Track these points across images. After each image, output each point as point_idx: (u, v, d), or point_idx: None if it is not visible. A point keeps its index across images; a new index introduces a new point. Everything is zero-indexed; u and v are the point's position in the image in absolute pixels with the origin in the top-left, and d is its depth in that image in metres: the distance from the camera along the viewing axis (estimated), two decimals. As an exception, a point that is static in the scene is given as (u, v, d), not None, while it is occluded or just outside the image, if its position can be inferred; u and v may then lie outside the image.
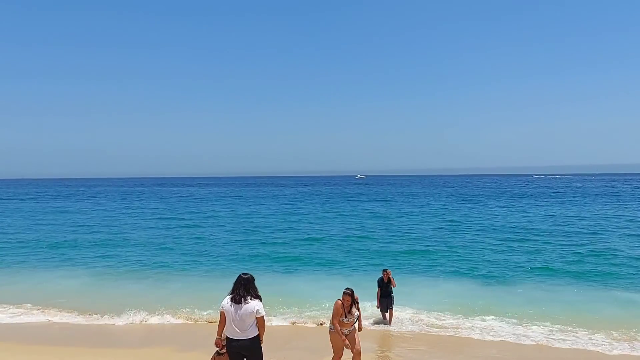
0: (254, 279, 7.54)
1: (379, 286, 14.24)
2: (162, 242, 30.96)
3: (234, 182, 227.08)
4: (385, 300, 14.20)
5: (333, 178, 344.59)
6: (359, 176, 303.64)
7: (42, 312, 15.27)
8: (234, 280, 7.53)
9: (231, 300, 7.32)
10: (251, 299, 7.31)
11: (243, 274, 7.58)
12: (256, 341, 7.34)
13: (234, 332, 7.28)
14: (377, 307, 14.32)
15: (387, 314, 14.18)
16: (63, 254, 26.64)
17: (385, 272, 14.31)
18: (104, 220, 45.67)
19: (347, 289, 8.95)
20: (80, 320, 14.53)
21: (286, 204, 67.01)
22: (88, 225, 40.86)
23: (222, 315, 7.36)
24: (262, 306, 7.40)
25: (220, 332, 7.42)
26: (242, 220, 44.81)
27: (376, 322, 14.21)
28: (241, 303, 7.26)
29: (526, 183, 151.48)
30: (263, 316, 7.36)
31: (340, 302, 8.94)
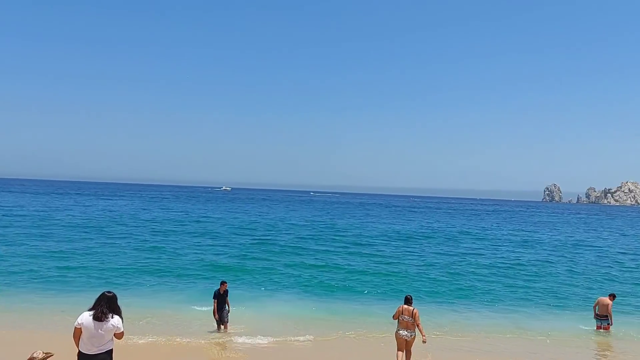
0: (116, 297, 7.74)
1: (215, 298, 14.72)
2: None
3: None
4: (221, 312, 14.78)
5: (197, 188, 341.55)
6: (224, 188, 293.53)
7: None
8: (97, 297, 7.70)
9: (93, 317, 7.41)
10: (112, 317, 7.51)
11: (107, 291, 7.77)
12: (110, 354, 7.59)
13: (91, 347, 7.40)
14: (216, 319, 14.80)
15: (223, 327, 14.88)
16: None
17: (223, 284, 14.91)
18: None
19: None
20: None
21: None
22: None
23: (78, 331, 7.47)
24: (122, 322, 7.66)
25: (78, 346, 7.47)
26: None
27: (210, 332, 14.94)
28: (103, 320, 7.41)
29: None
30: (123, 332, 7.70)
31: None
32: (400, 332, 11.80)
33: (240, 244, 36.72)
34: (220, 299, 14.79)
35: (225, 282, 15.12)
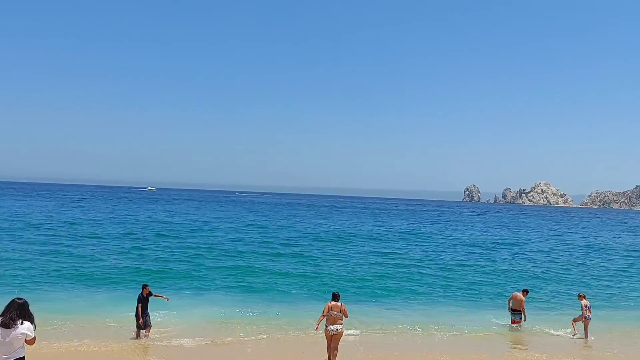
0: (28, 304, 7.56)
1: (139, 302, 14.41)
2: None
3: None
4: (145, 317, 14.46)
5: (120, 188, 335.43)
6: (149, 188, 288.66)
7: None
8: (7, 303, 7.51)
9: (0, 325, 7.25)
10: (22, 323, 7.30)
11: (17, 298, 7.58)
12: None
13: None
14: (141, 324, 14.46)
15: (145, 331, 14.51)
16: None
17: (144, 288, 14.70)
18: None
19: None
20: None
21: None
22: None
23: None
24: (33, 329, 7.45)
25: None
26: None
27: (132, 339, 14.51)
28: (11, 327, 7.23)
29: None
30: (34, 337, 7.48)
31: None
32: (329, 327, 12.50)
33: (163, 247, 35.89)
34: (144, 303, 14.55)
35: (147, 285, 14.93)
